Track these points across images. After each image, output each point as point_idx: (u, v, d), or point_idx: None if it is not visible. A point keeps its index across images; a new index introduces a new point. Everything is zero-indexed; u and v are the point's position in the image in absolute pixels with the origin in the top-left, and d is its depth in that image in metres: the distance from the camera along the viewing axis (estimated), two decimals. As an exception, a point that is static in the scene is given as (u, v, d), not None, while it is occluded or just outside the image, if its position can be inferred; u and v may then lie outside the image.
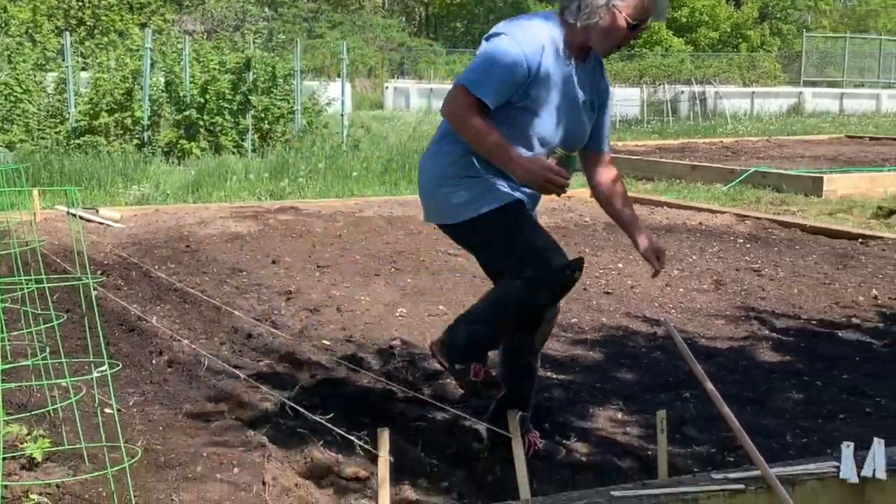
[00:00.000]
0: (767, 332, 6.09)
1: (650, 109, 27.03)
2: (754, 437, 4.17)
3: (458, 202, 3.65)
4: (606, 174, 3.87)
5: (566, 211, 10.57)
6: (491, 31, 3.62)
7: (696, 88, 27.43)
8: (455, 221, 3.72)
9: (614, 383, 5.03)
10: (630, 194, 4.21)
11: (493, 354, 4.09)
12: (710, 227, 9.80)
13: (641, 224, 3.90)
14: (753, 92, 31.21)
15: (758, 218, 10.11)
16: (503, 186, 3.64)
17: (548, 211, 10.14)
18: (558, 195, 3.53)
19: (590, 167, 3.88)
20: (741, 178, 13.09)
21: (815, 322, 6.32)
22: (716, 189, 12.78)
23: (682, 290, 7.11)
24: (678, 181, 13.44)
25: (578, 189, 10.38)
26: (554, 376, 5.06)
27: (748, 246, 8.83)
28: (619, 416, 4.57)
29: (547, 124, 3.59)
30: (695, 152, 17.05)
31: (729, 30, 47.01)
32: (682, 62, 37.48)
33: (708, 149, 17.91)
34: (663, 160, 14.93)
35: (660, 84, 27.82)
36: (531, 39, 3.53)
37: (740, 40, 46.70)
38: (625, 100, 26.47)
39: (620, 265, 7.85)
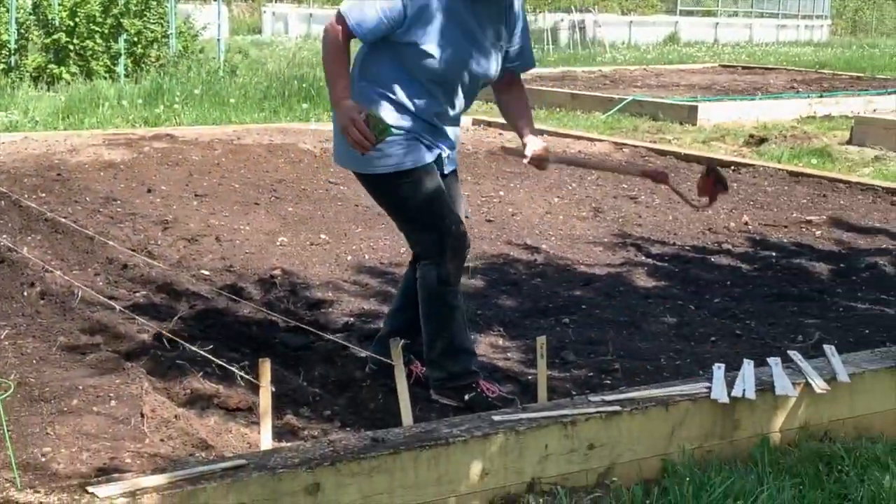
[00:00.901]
0: (643, 258, 6.23)
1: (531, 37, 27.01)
2: (630, 361, 4.30)
3: (376, 154, 3.60)
4: (513, 88, 3.90)
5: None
6: None
7: (576, 17, 27.48)
8: (367, 172, 3.72)
9: (495, 310, 5.09)
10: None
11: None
12: (589, 155, 9.91)
13: (534, 129, 3.91)
14: (631, 21, 31.51)
15: (635, 146, 10.27)
16: (422, 144, 3.64)
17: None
18: (358, 151, 3.50)
19: (499, 82, 3.88)
20: (619, 106, 13.26)
21: (688, 248, 6.49)
22: (595, 117, 12.92)
23: (561, 217, 7.21)
24: (558, 109, 13.53)
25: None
26: (436, 304, 5.09)
27: (625, 173, 8.97)
28: (500, 342, 4.63)
29: (439, 62, 3.56)
30: (575, 81, 17.17)
31: (608, -42, 47.20)
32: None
33: (587, 77, 18.05)
34: (543, 88, 14.96)
35: (540, 12, 27.76)
36: None
37: (619, -32, 46.94)
38: (505, 27, 26.31)
39: (502, 193, 7.90)
